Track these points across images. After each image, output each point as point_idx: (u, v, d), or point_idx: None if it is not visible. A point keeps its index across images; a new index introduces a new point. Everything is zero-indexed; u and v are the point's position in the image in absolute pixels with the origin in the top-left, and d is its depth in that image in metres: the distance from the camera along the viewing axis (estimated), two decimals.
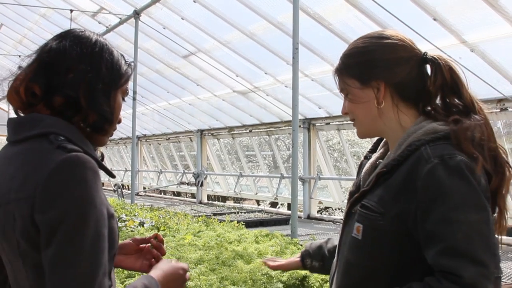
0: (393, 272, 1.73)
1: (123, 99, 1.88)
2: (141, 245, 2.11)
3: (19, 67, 1.77)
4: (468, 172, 1.65)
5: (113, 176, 1.92)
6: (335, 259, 2.01)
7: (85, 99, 1.69)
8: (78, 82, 1.69)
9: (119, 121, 1.87)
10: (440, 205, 1.62)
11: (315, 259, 2.39)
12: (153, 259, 2.08)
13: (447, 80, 1.83)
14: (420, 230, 1.66)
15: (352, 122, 1.96)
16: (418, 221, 1.66)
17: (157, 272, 1.83)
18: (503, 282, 6.09)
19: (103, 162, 1.84)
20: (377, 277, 1.76)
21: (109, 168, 1.89)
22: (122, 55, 1.88)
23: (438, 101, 1.86)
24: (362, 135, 1.97)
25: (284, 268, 2.61)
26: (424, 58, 1.88)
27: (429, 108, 1.86)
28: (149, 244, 2.10)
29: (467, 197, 1.63)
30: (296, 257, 2.50)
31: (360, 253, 1.79)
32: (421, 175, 1.66)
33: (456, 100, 1.83)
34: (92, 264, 1.51)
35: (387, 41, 1.87)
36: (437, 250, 1.61)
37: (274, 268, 2.59)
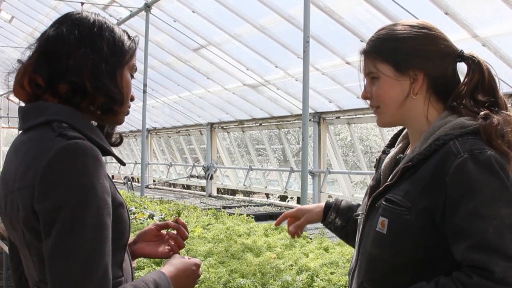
0: (418, 267, 1.72)
1: (132, 76, 1.81)
2: (162, 231, 2.07)
3: (19, 60, 1.73)
4: (498, 167, 1.64)
5: (123, 163, 1.89)
6: (355, 253, 2.00)
7: (90, 82, 1.65)
8: (80, 67, 1.65)
9: (132, 98, 1.82)
10: (470, 200, 1.61)
11: (341, 217, 2.25)
12: (174, 243, 2.03)
13: (484, 81, 1.82)
14: (449, 224, 1.64)
15: (374, 108, 1.91)
16: (446, 215, 1.65)
17: (168, 268, 1.79)
18: None
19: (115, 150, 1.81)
20: (402, 272, 1.74)
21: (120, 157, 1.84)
22: (124, 30, 1.82)
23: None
24: (384, 123, 1.93)
25: (303, 225, 2.34)
26: (460, 56, 1.87)
27: (456, 103, 1.84)
28: (170, 229, 2.06)
29: (497, 192, 1.62)
30: (317, 206, 2.33)
31: (385, 248, 1.77)
32: (450, 170, 1.65)
33: (485, 97, 1.82)
34: (94, 255, 1.47)
35: (429, 32, 1.84)
36: (467, 245, 1.59)
37: (295, 235, 2.34)
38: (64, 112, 1.63)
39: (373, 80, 1.87)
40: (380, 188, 1.87)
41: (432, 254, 1.71)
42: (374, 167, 2.14)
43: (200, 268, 1.89)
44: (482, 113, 1.76)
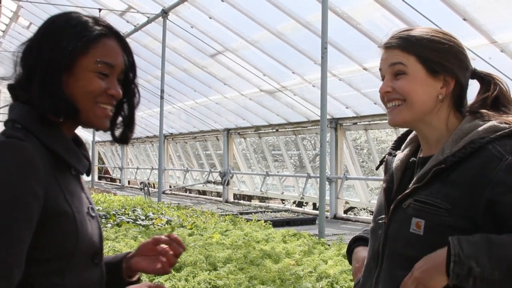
0: None
1: (104, 74, 1.63)
2: (158, 246, 1.92)
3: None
4: None
5: (81, 173, 1.76)
6: (371, 260, 1.98)
7: (36, 94, 1.58)
8: (28, 79, 1.59)
9: (114, 94, 1.65)
10: None
11: None
12: (164, 260, 1.89)
13: (505, 96, 1.85)
14: (501, 219, 1.67)
15: (394, 104, 1.88)
16: (496, 215, 1.67)
17: None
18: None
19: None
20: None
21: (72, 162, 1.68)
22: (91, 17, 1.65)
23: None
24: (401, 121, 1.90)
25: None
26: (474, 72, 1.89)
27: (475, 109, 1.85)
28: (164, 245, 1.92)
29: None
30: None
31: (423, 249, 1.78)
32: (494, 172, 1.67)
33: (505, 107, 1.84)
34: None
35: (459, 44, 1.87)
36: None
37: None
38: (25, 114, 1.59)
39: (397, 75, 1.86)
40: (408, 190, 1.86)
41: None
42: (377, 168, 2.18)
43: None
44: (509, 117, 1.78)
